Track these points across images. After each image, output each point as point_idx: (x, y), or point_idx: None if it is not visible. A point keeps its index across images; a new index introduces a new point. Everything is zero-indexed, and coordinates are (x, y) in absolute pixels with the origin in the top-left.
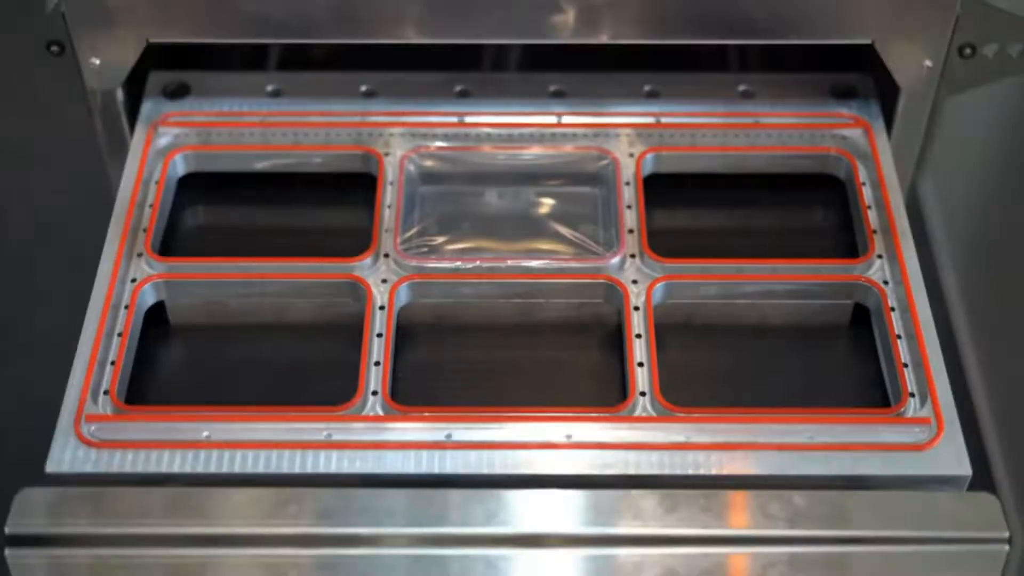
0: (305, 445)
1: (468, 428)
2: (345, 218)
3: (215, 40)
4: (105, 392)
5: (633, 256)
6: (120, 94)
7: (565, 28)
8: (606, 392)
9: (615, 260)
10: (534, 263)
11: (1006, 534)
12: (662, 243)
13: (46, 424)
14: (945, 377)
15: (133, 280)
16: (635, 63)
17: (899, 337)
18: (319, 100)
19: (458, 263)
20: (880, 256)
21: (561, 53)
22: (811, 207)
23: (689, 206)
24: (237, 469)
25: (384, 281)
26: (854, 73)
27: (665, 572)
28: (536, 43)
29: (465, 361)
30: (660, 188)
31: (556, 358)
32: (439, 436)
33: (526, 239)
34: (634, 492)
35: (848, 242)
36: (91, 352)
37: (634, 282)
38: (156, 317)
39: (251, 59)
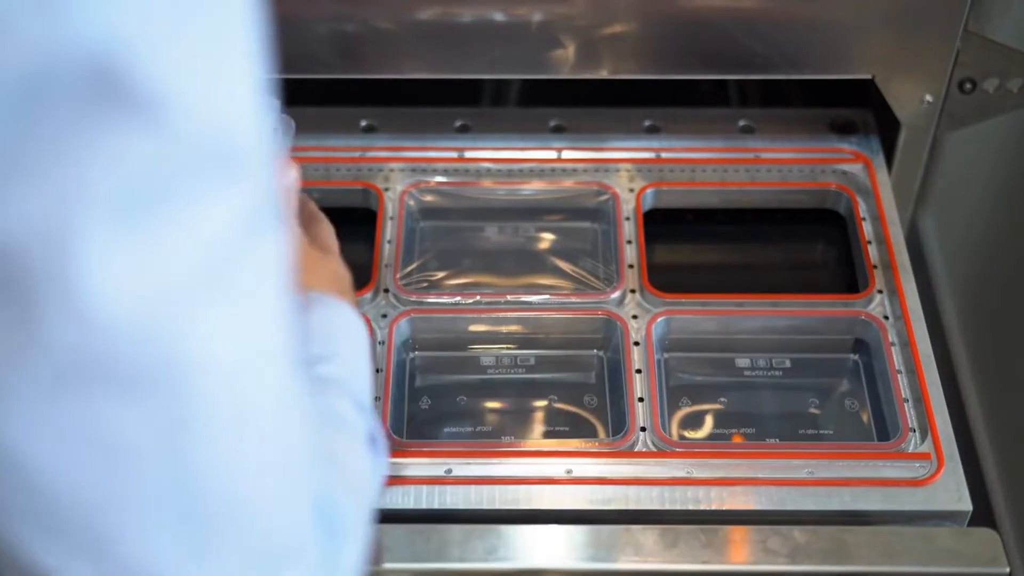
0: None
1: (468, 463)
2: (344, 253)
3: None
4: None
5: (633, 291)
6: None
7: (565, 63)
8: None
9: (615, 295)
10: (534, 298)
11: (1006, 569)
12: (662, 278)
13: None
14: (945, 412)
15: None
16: (635, 98)
17: (899, 372)
18: (319, 135)
19: (458, 298)
20: (880, 291)
21: (561, 88)
22: (811, 242)
23: (689, 241)
24: None
25: (384, 316)
26: (854, 108)
27: None
28: (536, 78)
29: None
30: (660, 223)
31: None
32: (439, 471)
33: (526, 274)
34: (634, 527)
35: (848, 277)
36: None
37: (634, 317)
38: None
39: None
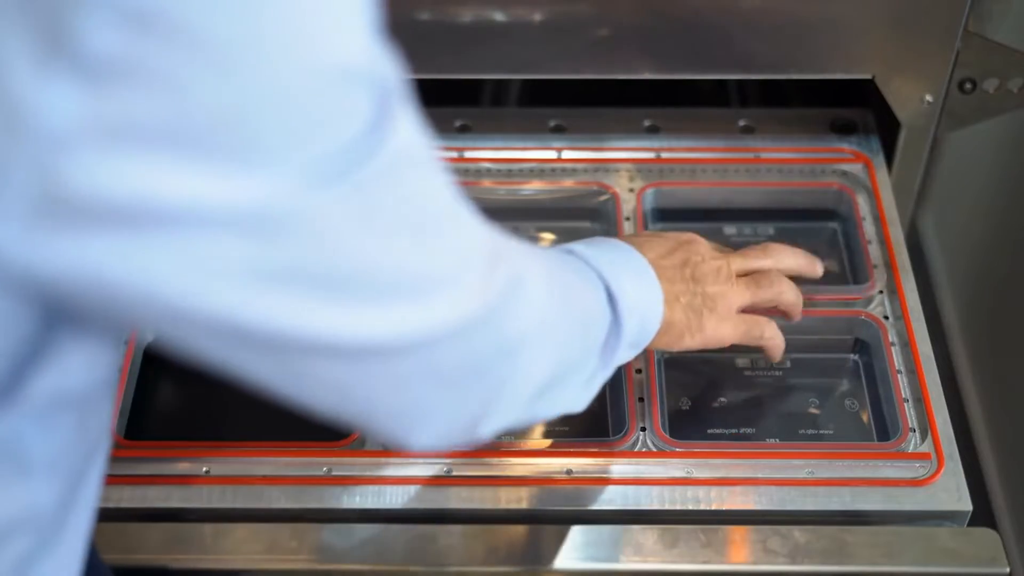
0: (305, 480)
1: (468, 463)
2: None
3: None
4: None
5: None
6: None
7: (565, 63)
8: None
9: None
10: None
11: (1007, 569)
12: None
13: None
14: (945, 412)
15: None
16: (635, 98)
17: (899, 372)
18: None
19: None
20: (880, 291)
21: (561, 88)
22: (811, 242)
23: None
24: (237, 504)
25: None
26: (854, 108)
27: None
28: (536, 78)
29: None
30: (660, 223)
31: None
32: (439, 471)
33: None
34: (634, 527)
35: (848, 277)
36: None
37: None
38: (155, 353)
39: None
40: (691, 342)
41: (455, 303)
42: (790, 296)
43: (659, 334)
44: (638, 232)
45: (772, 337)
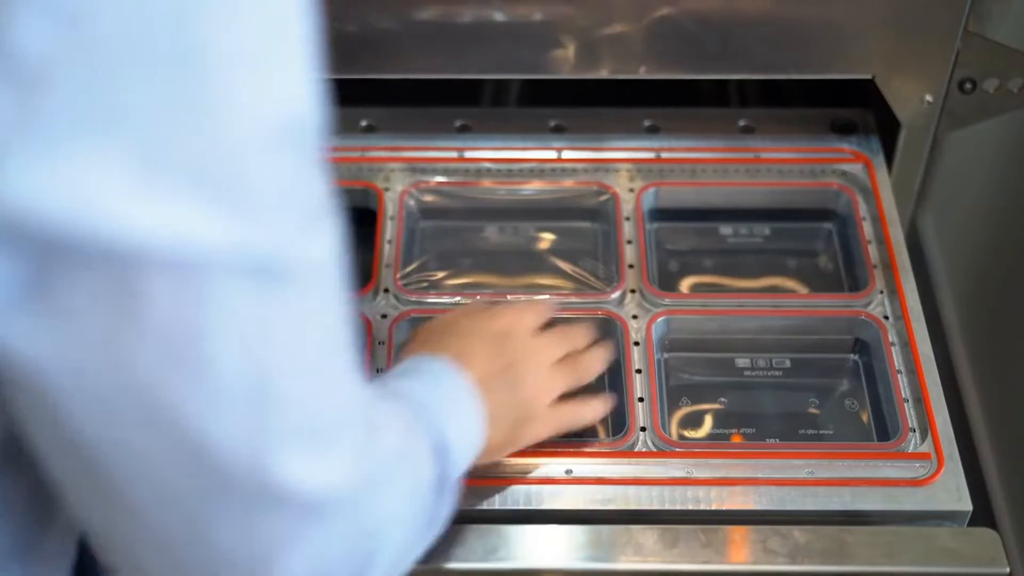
0: None
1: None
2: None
3: None
4: None
5: (633, 291)
6: None
7: (565, 63)
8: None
9: (615, 295)
10: (534, 298)
11: (1007, 569)
12: (662, 278)
13: None
14: (945, 412)
15: None
16: (635, 98)
17: (899, 372)
18: None
19: (458, 298)
20: (881, 291)
21: (561, 88)
22: (811, 242)
23: (689, 240)
24: None
25: (384, 316)
26: (854, 108)
27: None
28: (536, 78)
29: None
30: (660, 222)
31: None
32: None
33: (526, 274)
34: (634, 527)
35: (848, 277)
36: None
37: (634, 317)
38: None
39: None
40: (509, 451)
41: (332, 464)
42: (597, 371)
43: (479, 457)
44: (476, 308)
45: (591, 420)
